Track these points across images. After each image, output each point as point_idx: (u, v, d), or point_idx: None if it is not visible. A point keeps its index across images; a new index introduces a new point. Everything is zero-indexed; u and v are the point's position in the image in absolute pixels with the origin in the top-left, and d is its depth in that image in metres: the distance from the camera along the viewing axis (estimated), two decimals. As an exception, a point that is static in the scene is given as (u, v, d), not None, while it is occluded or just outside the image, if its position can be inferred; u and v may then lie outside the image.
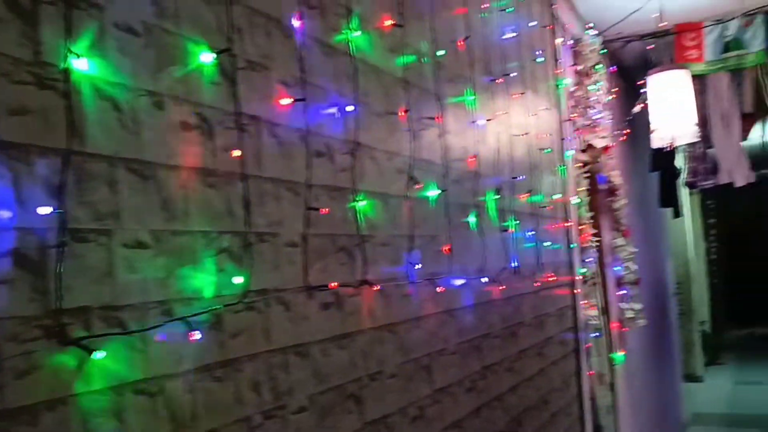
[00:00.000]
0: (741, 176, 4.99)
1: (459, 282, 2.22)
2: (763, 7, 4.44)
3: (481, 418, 2.31)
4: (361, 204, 1.68)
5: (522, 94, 2.98)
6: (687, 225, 10.57)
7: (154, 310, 1.10)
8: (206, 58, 1.24)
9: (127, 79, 1.09)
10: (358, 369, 1.63)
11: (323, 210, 1.51)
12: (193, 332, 1.13)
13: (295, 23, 1.50)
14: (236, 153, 1.27)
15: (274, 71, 1.42)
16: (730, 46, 4.71)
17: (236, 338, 1.26)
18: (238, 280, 1.26)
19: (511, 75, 2.85)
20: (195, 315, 1.15)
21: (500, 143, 2.70)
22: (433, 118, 2.13)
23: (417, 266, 1.92)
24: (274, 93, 1.41)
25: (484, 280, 2.38)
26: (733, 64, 4.72)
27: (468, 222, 2.35)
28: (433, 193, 2.08)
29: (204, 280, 1.20)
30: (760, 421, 8.28)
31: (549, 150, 3.34)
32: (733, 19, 4.61)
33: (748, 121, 5.96)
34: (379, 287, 1.72)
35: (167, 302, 1.12)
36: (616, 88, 4.98)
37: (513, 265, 2.69)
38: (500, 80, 2.70)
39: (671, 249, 8.58)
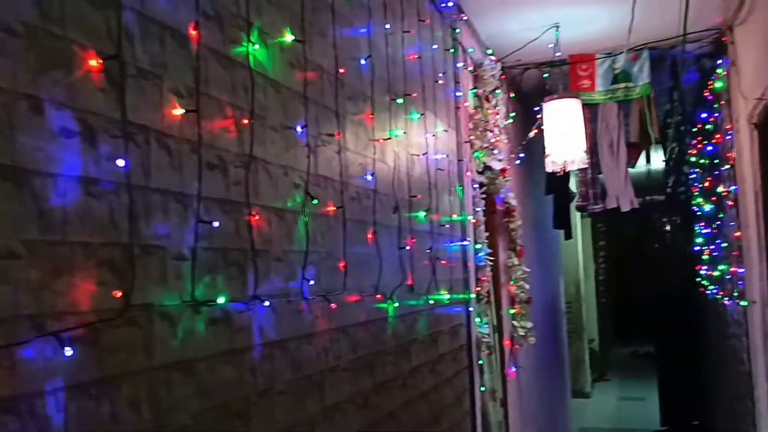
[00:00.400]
0: (626, 201, 5.26)
1: (354, 299, 2.22)
2: (648, 43, 4.72)
3: (373, 434, 2.32)
4: (255, 218, 1.66)
5: (422, 114, 3.04)
6: (578, 247, 11.05)
7: (25, 324, 1.04)
8: (93, 63, 1.20)
9: (4, 81, 1.04)
10: (246, 386, 1.60)
11: (214, 223, 1.48)
12: (66, 348, 1.07)
13: (191, 33, 1.47)
14: (121, 162, 1.23)
15: (167, 80, 1.39)
16: (618, 77, 4.99)
17: (115, 354, 1.21)
18: (119, 293, 1.21)
19: (412, 95, 2.90)
20: (68, 330, 1.10)
21: (399, 162, 2.73)
22: (332, 135, 2.14)
23: (311, 282, 1.91)
24: (165, 103, 1.38)
25: (379, 297, 2.39)
26: (622, 95, 5.00)
27: (365, 239, 2.37)
28: (330, 209, 2.08)
29: (81, 294, 1.15)
30: (640, 435, 8.71)
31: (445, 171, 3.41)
32: (622, 53, 4.88)
33: (635, 150, 6.31)
34: (270, 303, 1.70)
35: (39, 316, 1.07)
36: (514, 113, 5.16)
37: (408, 282, 2.72)
38: (401, 100, 2.74)
39: (563, 269, 8.92)
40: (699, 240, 6.94)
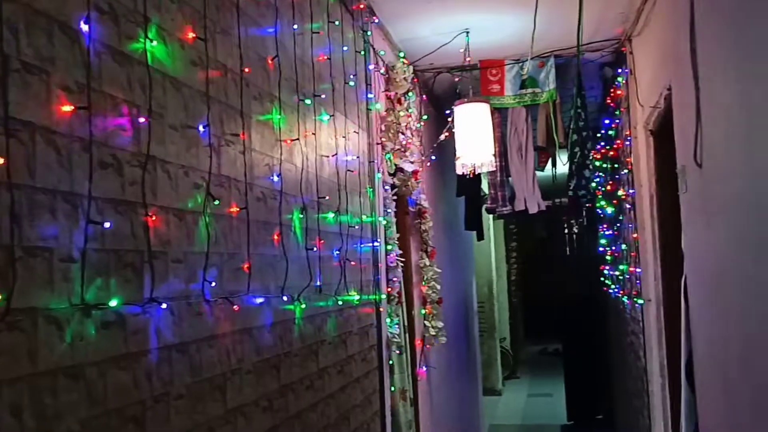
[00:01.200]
0: (534, 204, 5.43)
1: (258, 300, 2.20)
2: (554, 50, 4.89)
3: (278, 437, 2.31)
4: (152, 219, 1.62)
5: (332, 116, 3.04)
6: (491, 248, 11.30)
7: None
8: (-29, 56, 1.14)
9: None
10: (141, 391, 1.56)
11: (105, 224, 1.44)
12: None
13: (83, 27, 1.43)
14: (0, 160, 1.17)
15: (55, 76, 1.34)
16: (526, 83, 5.15)
17: (-6, 360, 1.16)
18: (-1, 297, 1.16)
19: (322, 96, 2.90)
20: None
21: (307, 163, 2.73)
22: (237, 135, 2.11)
23: (213, 284, 1.88)
24: (53, 99, 1.33)
25: (285, 298, 2.38)
26: (529, 100, 5.16)
27: (271, 240, 2.35)
28: (234, 210, 2.06)
29: (-44, 298, 1.09)
30: (547, 430, 9.00)
31: (353, 171, 3.43)
32: (529, 59, 5.04)
33: (545, 154, 6.51)
34: (168, 305, 1.66)
35: None
36: (427, 116, 5.24)
37: (317, 284, 2.72)
38: (309, 101, 2.73)
39: (476, 270, 9.11)
40: (602, 241, 7.24)
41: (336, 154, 3.09)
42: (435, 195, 5.76)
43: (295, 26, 2.63)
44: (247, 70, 2.15)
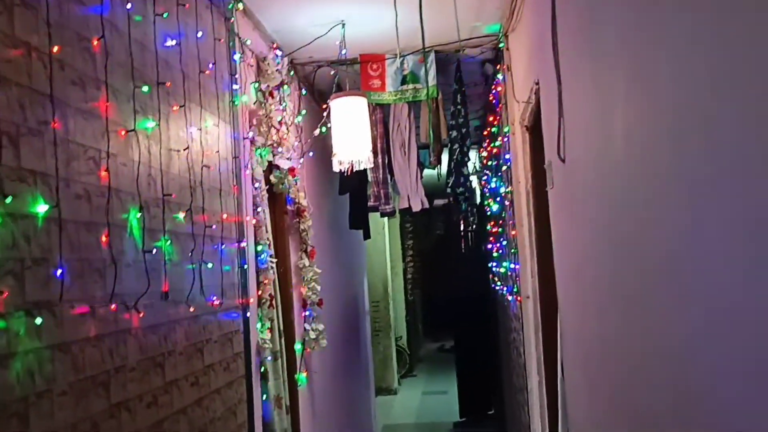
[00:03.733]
0: (417, 202, 5.34)
1: (80, 310, 1.95)
2: (434, 46, 4.81)
3: (106, 463, 2.06)
4: None
5: (181, 106, 2.80)
6: (386, 245, 11.23)
7: None
8: None
9: None
10: None
11: None
12: None
13: None
14: None
15: None
16: (407, 78, 5.05)
17: None
18: None
19: (166, 85, 2.65)
20: None
21: (150, 157, 2.48)
22: (45, 123, 1.85)
23: (3, 295, 1.62)
24: None
25: (113, 307, 2.13)
26: (411, 96, 5.06)
27: (97, 242, 2.10)
28: (40, 208, 1.80)
29: None
30: (440, 427, 9.00)
31: (215, 170, 3.20)
32: (409, 54, 4.94)
33: (437, 149, 6.45)
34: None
35: None
36: (305, 111, 5.04)
37: (161, 289, 2.48)
38: (146, 88, 2.48)
39: (371, 268, 9.00)
40: (491, 239, 7.27)
41: (188, 148, 2.85)
42: (319, 193, 5.58)
43: (129, 6, 2.38)
44: (55, 49, 1.89)
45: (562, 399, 3.70)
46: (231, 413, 3.21)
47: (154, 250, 2.43)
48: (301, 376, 4.64)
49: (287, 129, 4.45)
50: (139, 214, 2.35)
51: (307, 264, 4.81)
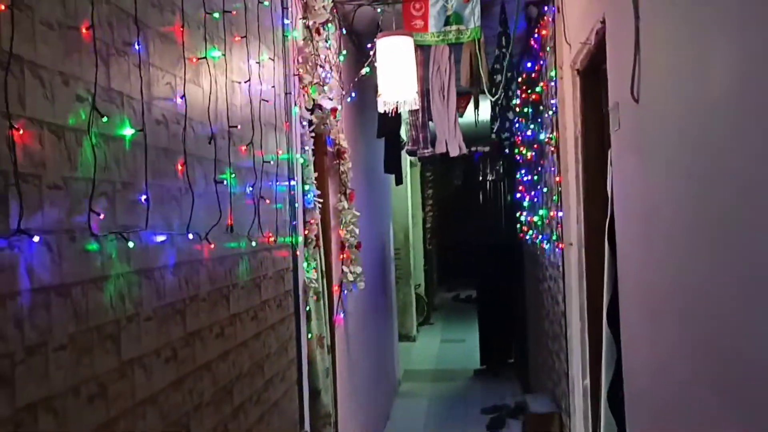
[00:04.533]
0: (455, 147, 5.27)
1: (159, 238, 1.93)
2: (481, -15, 4.68)
3: (183, 390, 2.06)
4: (20, 134, 1.32)
5: (243, 37, 2.73)
6: (408, 194, 11.20)
7: None
8: None
9: None
10: (8, 342, 1.29)
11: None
12: None
13: None
14: None
15: None
16: (451, 19, 4.92)
17: None
18: None
19: (232, 13, 2.59)
20: None
21: (216, 87, 2.43)
22: (129, 44, 1.80)
23: (101, 216, 1.59)
24: None
25: (191, 237, 2.11)
26: (454, 38, 4.94)
27: (175, 170, 2.06)
28: (127, 131, 1.76)
29: None
30: (461, 374, 9.10)
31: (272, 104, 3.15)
32: (455, -7, 4.81)
33: (464, 99, 6.35)
34: (42, 239, 1.38)
35: None
36: (346, 51, 4.95)
37: (227, 222, 2.46)
38: (217, 14, 2.42)
39: (393, 216, 8.98)
40: (520, 188, 7.21)
41: (249, 80, 2.79)
42: (354, 135, 5.51)
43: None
44: (142, -33, 1.83)
45: (607, 347, 3.70)
46: (283, 349, 3.23)
47: (225, 182, 2.40)
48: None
49: (331, 68, 4.37)
50: (209, 144, 2.32)
51: (346, 206, 4.78)
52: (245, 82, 2.76)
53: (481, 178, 10.36)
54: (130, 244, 1.72)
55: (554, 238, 4.83)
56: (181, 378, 2.06)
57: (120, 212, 1.71)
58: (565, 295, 4.47)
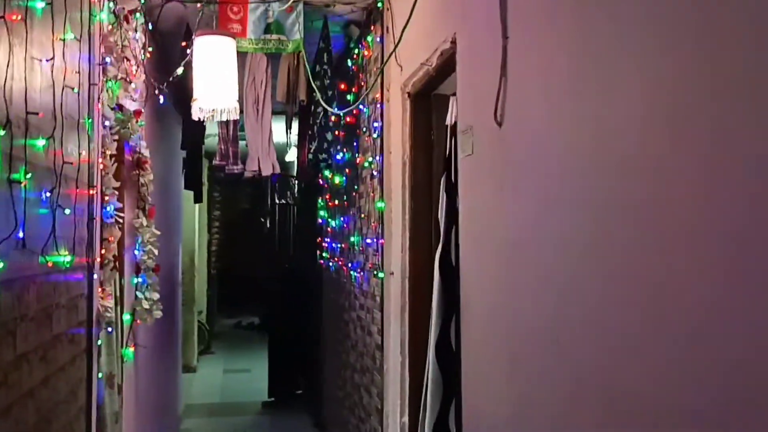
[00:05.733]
0: (268, 165, 4.92)
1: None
2: (305, -5, 4.42)
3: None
4: None
5: (49, 3, 2.18)
6: (196, 214, 10.53)
7: None
8: None
9: None
10: None
11: None
12: None
13: None
14: None
15: None
16: (271, 27, 4.59)
17: None
18: None
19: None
20: None
21: (14, 60, 1.87)
22: None
23: None
24: None
25: (-25, 252, 1.55)
26: (274, 48, 4.61)
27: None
28: None
29: None
30: (248, 407, 8.60)
31: (76, 90, 2.58)
32: (276, 1, 4.49)
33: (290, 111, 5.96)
34: None
35: None
36: (152, 48, 4.39)
37: (20, 234, 1.89)
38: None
39: (182, 237, 8.31)
40: (322, 213, 6.98)
41: (53, 59, 2.23)
42: (153, 145, 4.92)
43: None
44: None
45: (435, 381, 3.55)
46: (72, 395, 2.63)
47: (22, 181, 1.84)
48: (128, 351, 4.03)
49: (137, 64, 3.82)
50: (2, 133, 1.75)
51: (144, 224, 4.19)
52: (48, 61, 2.20)
53: (273, 201, 10.00)
54: None
55: (369, 266, 4.63)
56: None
57: None
58: (382, 327, 4.28)
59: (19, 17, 1.91)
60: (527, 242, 2.22)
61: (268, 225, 10.26)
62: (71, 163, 2.42)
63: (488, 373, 2.59)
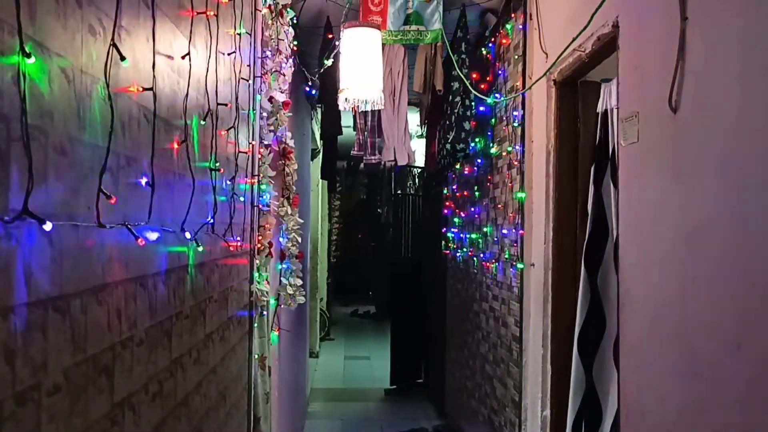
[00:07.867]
0: (403, 155, 4.96)
1: (153, 236, 1.46)
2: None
3: (165, 434, 1.59)
4: (31, 63, 0.85)
5: (229, 1, 2.28)
6: (319, 203, 10.77)
7: None
8: None
9: None
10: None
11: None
12: None
13: None
14: None
15: None
16: (410, 18, 4.61)
17: None
18: None
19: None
20: None
21: (208, 53, 1.97)
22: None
23: (111, 200, 1.12)
24: None
25: (188, 235, 1.64)
26: (413, 38, 4.63)
27: (170, 149, 1.59)
28: (133, 88, 1.29)
29: None
30: (367, 394, 8.73)
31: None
32: (418, -9, 4.51)
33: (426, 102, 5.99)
34: (54, 228, 0.91)
35: None
36: (296, 42, 4.52)
37: (210, 220, 1.99)
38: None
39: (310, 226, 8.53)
40: (449, 203, 6.97)
41: (234, 52, 2.33)
42: (295, 134, 5.06)
43: None
44: None
45: (576, 377, 3.47)
46: (239, 374, 2.76)
47: (220, 169, 1.93)
48: (274, 335, 4.18)
49: (287, 58, 3.94)
50: (202, 122, 1.85)
51: (289, 212, 4.32)
52: (229, 54, 2.30)
53: (391, 191, 10.09)
54: (139, 241, 1.25)
55: (507, 257, 4.58)
56: (163, 420, 1.58)
57: (124, 196, 1.24)
58: (521, 318, 4.22)
59: (212, 13, 2.00)
60: (707, 235, 2.11)
61: (385, 215, 10.38)
62: (246, 153, 2.52)
63: (654, 372, 2.49)
